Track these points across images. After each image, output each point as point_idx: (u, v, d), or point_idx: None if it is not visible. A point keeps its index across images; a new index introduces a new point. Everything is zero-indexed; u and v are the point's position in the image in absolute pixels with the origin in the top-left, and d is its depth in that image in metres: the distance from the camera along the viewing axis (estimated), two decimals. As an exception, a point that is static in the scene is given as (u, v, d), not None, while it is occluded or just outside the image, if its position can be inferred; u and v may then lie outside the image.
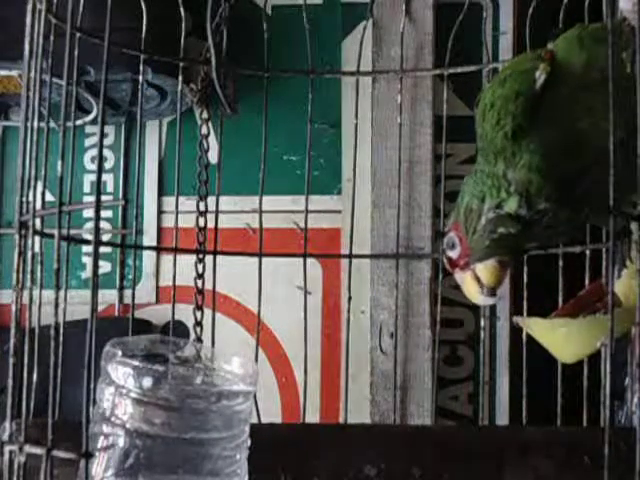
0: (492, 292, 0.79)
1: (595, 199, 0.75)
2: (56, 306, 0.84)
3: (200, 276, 1.20)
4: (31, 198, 0.81)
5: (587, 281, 1.14)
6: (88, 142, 1.52)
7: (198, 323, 1.21)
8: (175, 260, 1.17)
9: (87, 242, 1.25)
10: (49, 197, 0.83)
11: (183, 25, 1.18)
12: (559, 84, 0.77)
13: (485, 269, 0.79)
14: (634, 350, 1.15)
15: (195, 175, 1.24)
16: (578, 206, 0.77)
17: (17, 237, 0.75)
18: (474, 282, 0.79)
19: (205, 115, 1.26)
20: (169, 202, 1.48)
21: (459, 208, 0.80)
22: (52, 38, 0.85)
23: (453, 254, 0.80)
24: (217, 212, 1.20)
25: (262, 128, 1.22)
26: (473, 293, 0.80)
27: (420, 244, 1.39)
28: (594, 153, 0.74)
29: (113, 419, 0.79)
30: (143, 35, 1.15)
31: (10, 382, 0.71)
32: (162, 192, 1.50)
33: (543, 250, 1.13)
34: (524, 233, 0.77)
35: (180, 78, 1.19)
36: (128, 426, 0.78)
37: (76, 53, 0.89)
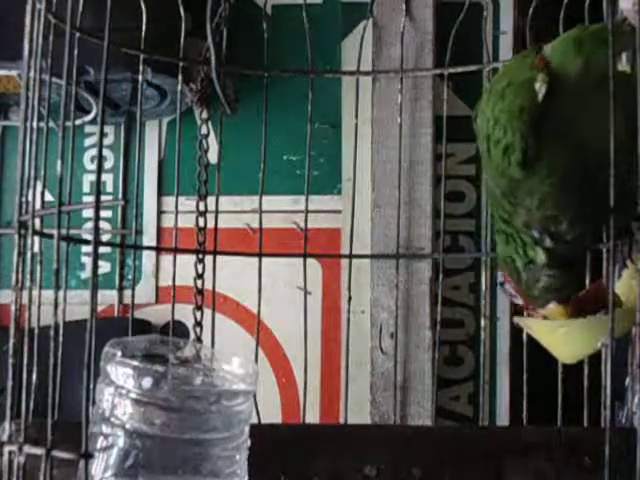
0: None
1: (604, 204, 0.74)
2: (56, 306, 0.83)
3: (200, 276, 1.20)
4: (30, 198, 0.80)
5: (587, 281, 1.13)
6: (88, 142, 1.52)
7: (198, 323, 1.21)
8: (175, 260, 1.17)
9: (87, 242, 1.25)
10: (49, 197, 0.83)
11: (183, 25, 1.18)
12: (557, 93, 0.76)
13: (550, 312, 0.82)
14: (634, 350, 1.15)
15: (195, 175, 1.24)
16: (597, 216, 0.77)
17: (17, 237, 0.75)
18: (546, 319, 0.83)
19: (205, 115, 1.26)
20: (169, 202, 1.48)
21: (501, 261, 0.82)
22: (51, 38, 0.85)
23: (518, 301, 0.84)
24: (217, 212, 1.20)
25: (262, 128, 1.22)
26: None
27: (420, 244, 1.39)
28: (600, 157, 0.73)
29: (113, 419, 0.79)
30: (143, 35, 1.15)
31: (10, 382, 0.71)
32: (162, 192, 1.50)
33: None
34: (563, 265, 0.79)
35: (180, 78, 1.19)
36: (128, 426, 0.78)
37: (76, 53, 0.89)
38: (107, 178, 1.51)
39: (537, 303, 0.82)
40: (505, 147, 0.76)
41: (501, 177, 0.77)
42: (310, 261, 1.27)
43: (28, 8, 0.82)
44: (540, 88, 0.76)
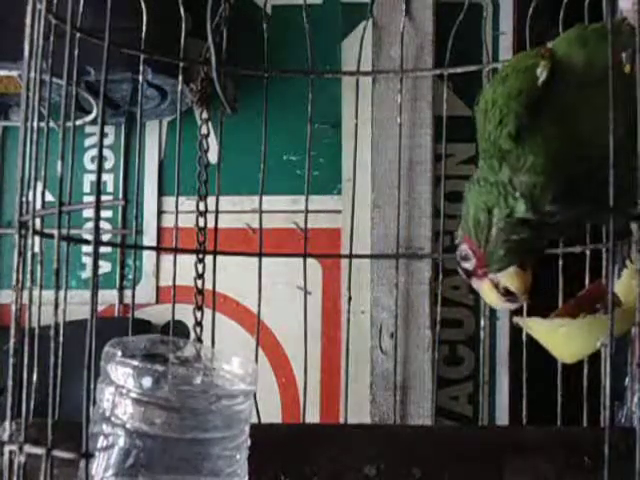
0: (514, 297, 0.80)
1: (599, 197, 0.75)
2: (56, 306, 0.84)
3: (200, 276, 1.20)
4: (31, 198, 0.81)
5: (587, 281, 1.13)
6: (88, 142, 1.52)
7: (198, 323, 1.21)
8: (175, 260, 1.17)
9: (87, 242, 1.25)
10: (49, 197, 0.83)
11: (183, 25, 1.18)
12: (559, 82, 0.77)
13: (510, 277, 0.79)
14: (634, 350, 1.15)
15: (195, 175, 1.24)
16: (583, 205, 0.77)
17: (17, 237, 0.75)
18: (493, 289, 0.80)
19: (205, 115, 1.26)
20: (169, 202, 1.48)
21: (466, 220, 0.80)
22: (52, 38, 0.85)
23: (468, 265, 0.81)
24: (217, 212, 1.20)
25: (262, 128, 1.22)
26: (494, 300, 0.81)
27: (420, 244, 1.39)
28: (597, 151, 0.74)
29: (113, 419, 0.79)
30: (143, 35, 1.15)
31: (10, 382, 0.71)
32: (162, 192, 1.50)
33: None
34: (535, 235, 0.78)
35: (180, 78, 1.19)
36: (128, 426, 0.78)
37: (76, 53, 0.89)
38: (107, 178, 1.52)
39: (497, 266, 0.79)
40: (500, 120, 0.77)
41: (494, 142, 0.78)
42: (310, 261, 1.27)
43: (28, 9, 0.82)
44: (541, 73, 0.77)
